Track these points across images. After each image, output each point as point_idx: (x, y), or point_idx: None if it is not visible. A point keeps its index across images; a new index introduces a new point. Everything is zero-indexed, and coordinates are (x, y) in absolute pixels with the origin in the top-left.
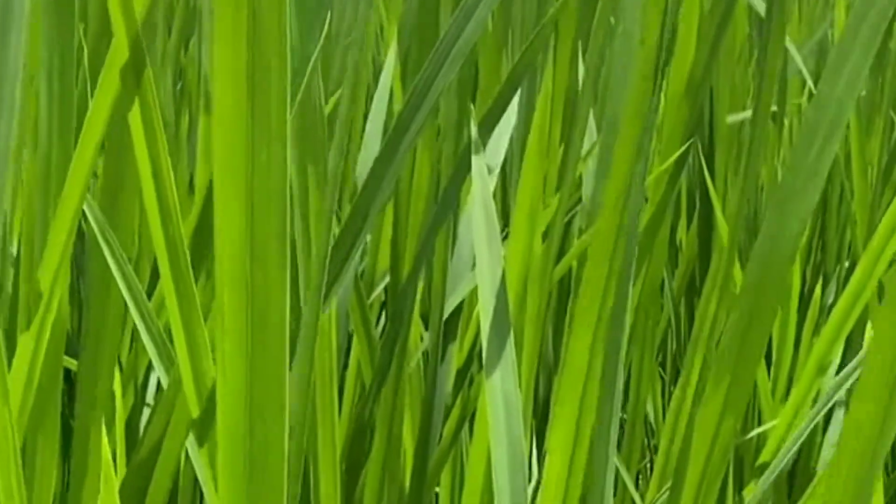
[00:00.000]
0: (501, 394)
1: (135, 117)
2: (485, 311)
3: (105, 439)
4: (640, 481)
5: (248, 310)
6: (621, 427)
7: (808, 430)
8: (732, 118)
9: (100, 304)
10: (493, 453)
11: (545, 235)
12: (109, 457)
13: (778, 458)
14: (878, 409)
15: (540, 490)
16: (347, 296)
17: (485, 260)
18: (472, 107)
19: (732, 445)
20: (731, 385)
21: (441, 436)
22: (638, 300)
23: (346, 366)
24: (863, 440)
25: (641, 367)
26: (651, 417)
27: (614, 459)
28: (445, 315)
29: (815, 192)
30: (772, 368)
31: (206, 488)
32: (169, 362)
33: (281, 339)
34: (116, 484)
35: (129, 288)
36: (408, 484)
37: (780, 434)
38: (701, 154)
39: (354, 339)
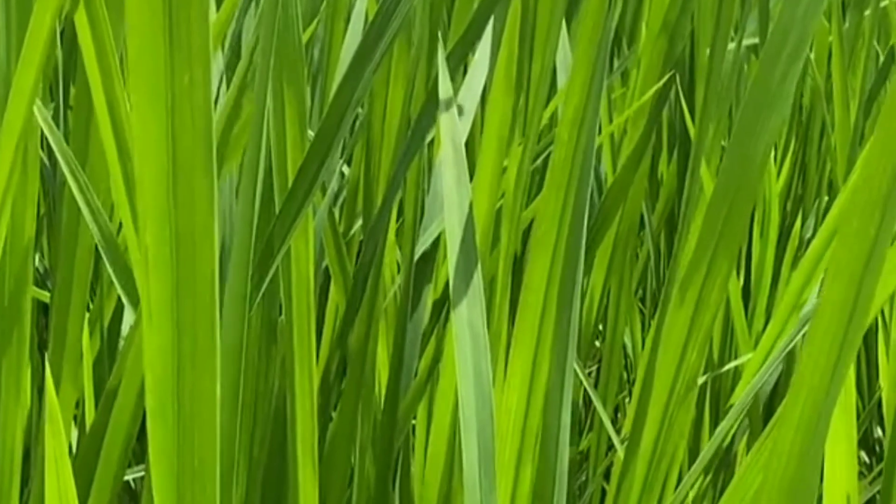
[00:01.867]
0: (468, 326)
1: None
2: (452, 246)
3: (50, 380)
4: (619, 415)
5: (173, 243)
6: (599, 361)
7: (783, 363)
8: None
9: (71, 239)
10: (459, 385)
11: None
12: (54, 392)
13: (749, 387)
14: (835, 338)
15: (498, 420)
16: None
17: (453, 195)
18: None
19: (699, 373)
20: (699, 304)
21: (417, 371)
22: (616, 234)
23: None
24: (819, 370)
25: (619, 301)
26: (630, 352)
27: (570, 386)
28: (419, 250)
29: (781, 114)
30: (749, 304)
31: None
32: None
33: (210, 273)
34: (62, 426)
35: (97, 222)
36: (381, 419)
37: (755, 369)
38: (681, 88)
39: (331, 272)
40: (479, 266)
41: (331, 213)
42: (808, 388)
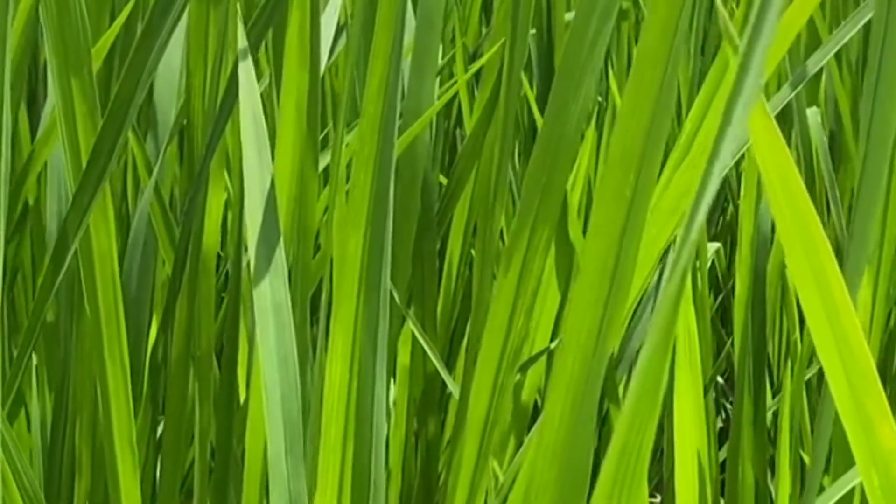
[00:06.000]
0: (271, 304)
1: None
2: (253, 222)
3: None
4: None
5: None
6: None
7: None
8: (570, 15)
9: None
10: (262, 365)
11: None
12: None
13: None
14: (598, 300)
15: (323, 398)
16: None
17: (254, 170)
18: None
19: (524, 340)
20: (523, 270)
21: None
22: (471, 199)
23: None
24: (584, 332)
25: (483, 268)
26: None
27: (384, 360)
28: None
29: (592, 80)
30: None
31: None
32: None
33: None
34: None
35: None
36: (218, 400)
37: None
38: (538, 52)
39: (160, 251)
40: (282, 241)
41: (157, 190)
42: (573, 352)
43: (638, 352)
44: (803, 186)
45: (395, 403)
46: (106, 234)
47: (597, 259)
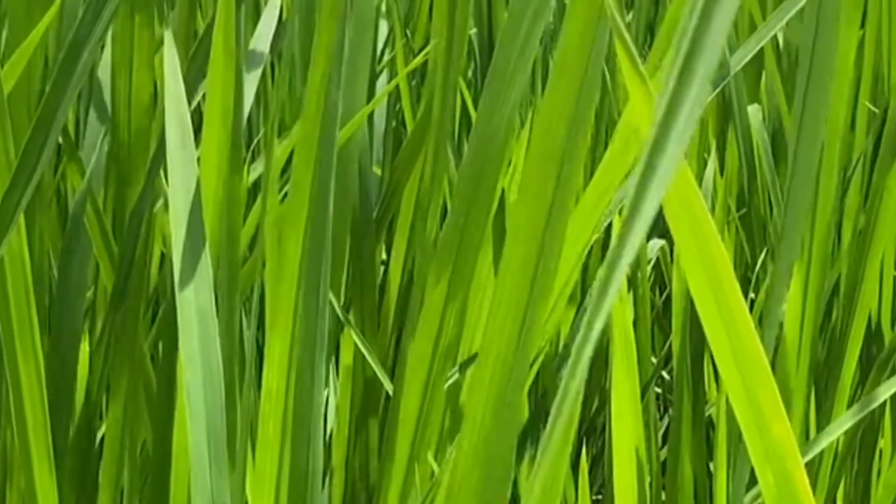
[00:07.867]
0: (196, 311)
1: None
2: (177, 228)
3: None
4: None
5: None
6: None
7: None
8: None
9: None
10: (185, 371)
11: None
12: None
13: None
14: (520, 303)
15: (261, 402)
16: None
17: (178, 166)
18: None
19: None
20: (453, 275)
21: None
22: (417, 196)
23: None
24: (506, 336)
25: (420, 267)
26: None
27: (322, 363)
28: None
29: (521, 87)
30: None
31: None
32: None
33: None
34: None
35: None
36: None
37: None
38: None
39: (98, 257)
40: (208, 248)
41: (92, 196)
42: (494, 356)
43: None
44: (695, 183)
45: (337, 404)
46: (17, 239)
47: (517, 262)
